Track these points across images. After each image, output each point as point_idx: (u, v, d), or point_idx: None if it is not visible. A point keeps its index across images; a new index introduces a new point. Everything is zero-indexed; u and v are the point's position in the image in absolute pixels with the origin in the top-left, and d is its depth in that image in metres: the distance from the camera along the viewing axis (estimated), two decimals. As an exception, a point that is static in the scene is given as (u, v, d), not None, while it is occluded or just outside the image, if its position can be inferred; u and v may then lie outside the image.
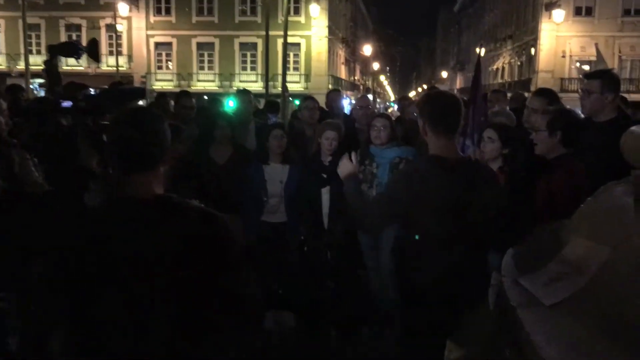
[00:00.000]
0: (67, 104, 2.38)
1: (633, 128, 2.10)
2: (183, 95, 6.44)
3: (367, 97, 8.01)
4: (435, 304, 2.77)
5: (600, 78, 4.00)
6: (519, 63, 41.35)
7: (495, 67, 46.92)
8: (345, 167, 3.16)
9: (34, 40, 34.72)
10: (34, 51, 32.87)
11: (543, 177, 3.47)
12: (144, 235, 1.67)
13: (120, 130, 1.76)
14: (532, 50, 37.04)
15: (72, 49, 2.46)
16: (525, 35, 39.17)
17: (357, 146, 5.15)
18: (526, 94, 5.26)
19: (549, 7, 33.87)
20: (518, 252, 2.26)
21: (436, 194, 2.76)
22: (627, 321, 1.47)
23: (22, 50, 30.66)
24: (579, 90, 4.11)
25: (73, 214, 2.20)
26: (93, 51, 2.52)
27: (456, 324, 2.56)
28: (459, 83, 60.67)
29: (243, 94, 6.13)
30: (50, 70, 2.50)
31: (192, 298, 1.69)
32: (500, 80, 45.09)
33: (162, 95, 7.20)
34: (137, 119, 1.78)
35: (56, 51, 2.52)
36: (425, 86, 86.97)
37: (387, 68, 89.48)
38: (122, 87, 3.70)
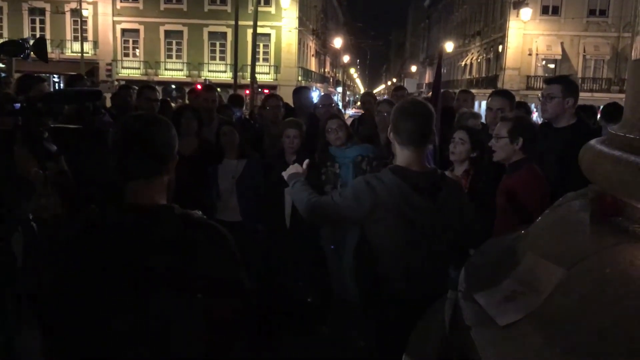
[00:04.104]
0: (16, 105, 2.26)
1: (592, 142, 2.08)
2: (146, 88, 6.28)
3: (329, 95, 7.91)
4: (393, 309, 2.76)
5: (561, 83, 4.04)
6: (487, 60, 41.82)
7: (463, 63, 47.35)
8: (291, 169, 3.25)
9: (-5, 24, 33.77)
10: (-5, 35, 31.93)
11: (502, 182, 3.50)
12: (140, 243, 1.64)
13: (126, 136, 1.74)
14: (500, 48, 37.51)
15: (17, 48, 2.34)
16: (493, 33, 39.63)
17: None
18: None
19: (517, 5, 34.35)
20: (474, 266, 2.23)
21: (398, 205, 2.72)
22: (580, 347, 1.44)
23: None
24: (539, 96, 4.15)
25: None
26: (40, 51, 2.39)
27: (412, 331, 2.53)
28: (427, 77, 61.07)
29: (207, 90, 6.03)
30: None
31: (191, 309, 1.67)
32: (468, 76, 45.56)
33: (125, 87, 6.98)
34: (145, 125, 1.76)
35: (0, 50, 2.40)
36: (394, 80, 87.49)
37: (358, 61, 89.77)
38: (78, 89, 3.56)
